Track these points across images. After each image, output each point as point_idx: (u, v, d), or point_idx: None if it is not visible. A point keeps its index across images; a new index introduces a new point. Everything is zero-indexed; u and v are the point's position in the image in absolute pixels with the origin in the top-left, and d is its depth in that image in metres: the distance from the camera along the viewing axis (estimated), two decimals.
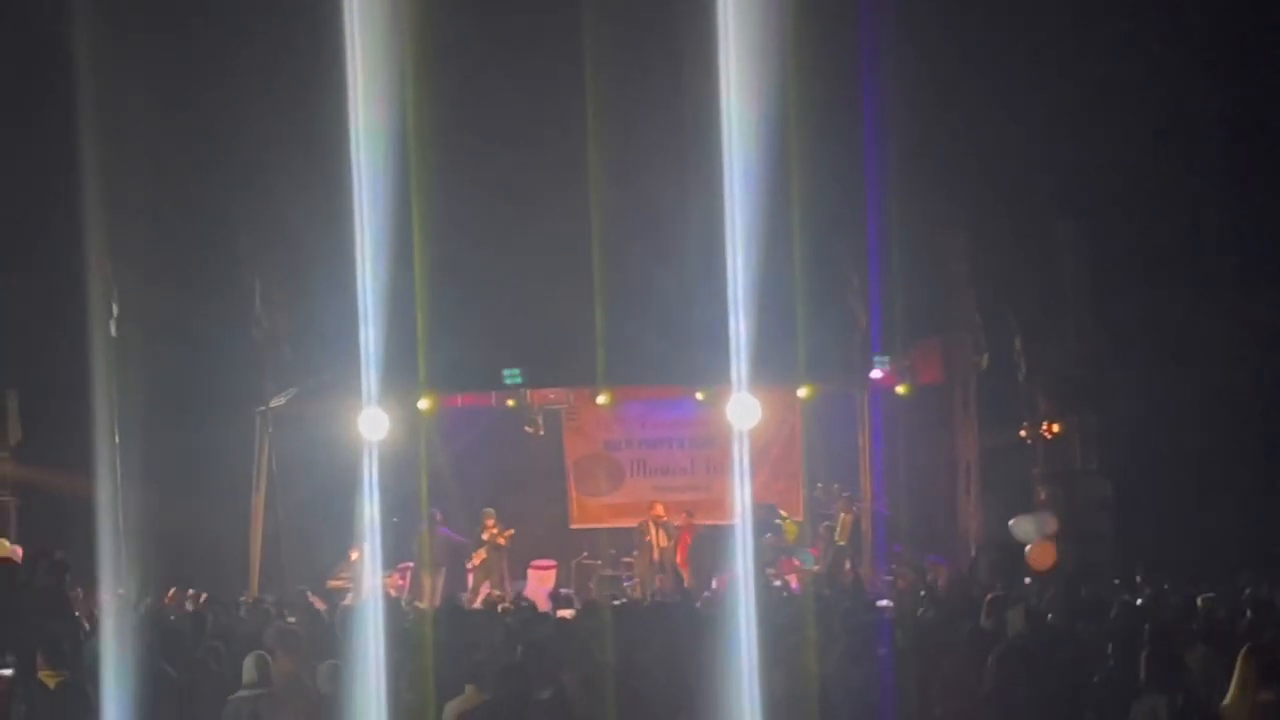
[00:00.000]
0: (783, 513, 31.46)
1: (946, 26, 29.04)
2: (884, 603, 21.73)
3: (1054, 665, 15.46)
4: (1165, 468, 29.12)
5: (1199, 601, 19.23)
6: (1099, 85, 29.43)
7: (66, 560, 21.77)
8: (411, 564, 30.73)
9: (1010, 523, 28.58)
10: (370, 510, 23.10)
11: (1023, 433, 32.02)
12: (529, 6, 30.81)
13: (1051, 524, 28.31)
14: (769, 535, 30.08)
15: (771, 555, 29.89)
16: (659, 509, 31.24)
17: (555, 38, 30.69)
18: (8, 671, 17.48)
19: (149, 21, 30.51)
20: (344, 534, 28.26)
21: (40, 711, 15.79)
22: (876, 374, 30.39)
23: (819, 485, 32.30)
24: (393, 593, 27.63)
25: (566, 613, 22.31)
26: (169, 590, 27.02)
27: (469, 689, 14.34)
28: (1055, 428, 31.53)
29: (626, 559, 31.81)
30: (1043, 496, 30.78)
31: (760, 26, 22.11)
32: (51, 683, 15.73)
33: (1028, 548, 27.88)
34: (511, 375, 30.89)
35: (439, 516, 30.67)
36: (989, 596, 18.62)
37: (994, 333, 31.39)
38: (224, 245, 32.11)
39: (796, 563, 30.21)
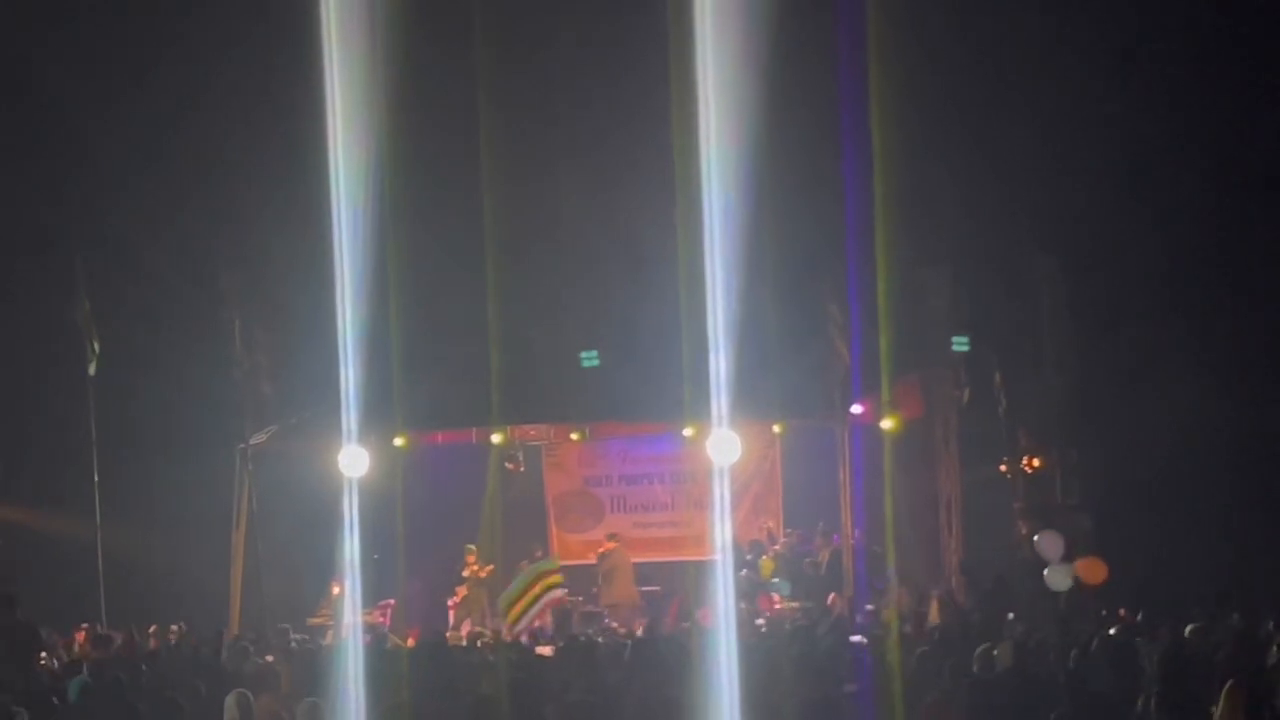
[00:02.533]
0: (760, 554, 31.44)
1: (927, 65, 29.12)
2: (858, 638, 21.69)
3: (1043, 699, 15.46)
4: (1144, 502, 29.15)
5: (1187, 632, 19.28)
6: (1076, 125, 29.55)
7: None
8: (393, 600, 30.68)
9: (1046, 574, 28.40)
10: (350, 547, 23.05)
11: (1003, 467, 32.07)
12: (504, 49, 30.86)
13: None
14: (744, 571, 30.05)
15: (748, 589, 29.86)
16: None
17: (533, 79, 30.81)
18: None
19: (130, 60, 30.59)
20: (324, 570, 28.23)
21: None
22: (857, 409, 30.41)
23: (792, 531, 32.33)
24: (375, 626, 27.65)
25: (546, 649, 22.30)
26: (148, 627, 26.94)
27: None
28: (1035, 462, 31.59)
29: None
30: (1024, 531, 30.79)
31: (739, 67, 22.15)
32: None
33: (1074, 567, 27.73)
34: (589, 357, 31.08)
35: None
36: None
37: (974, 369, 31.44)
38: (204, 284, 32.10)
39: (775, 597, 30.22)
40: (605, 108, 30.50)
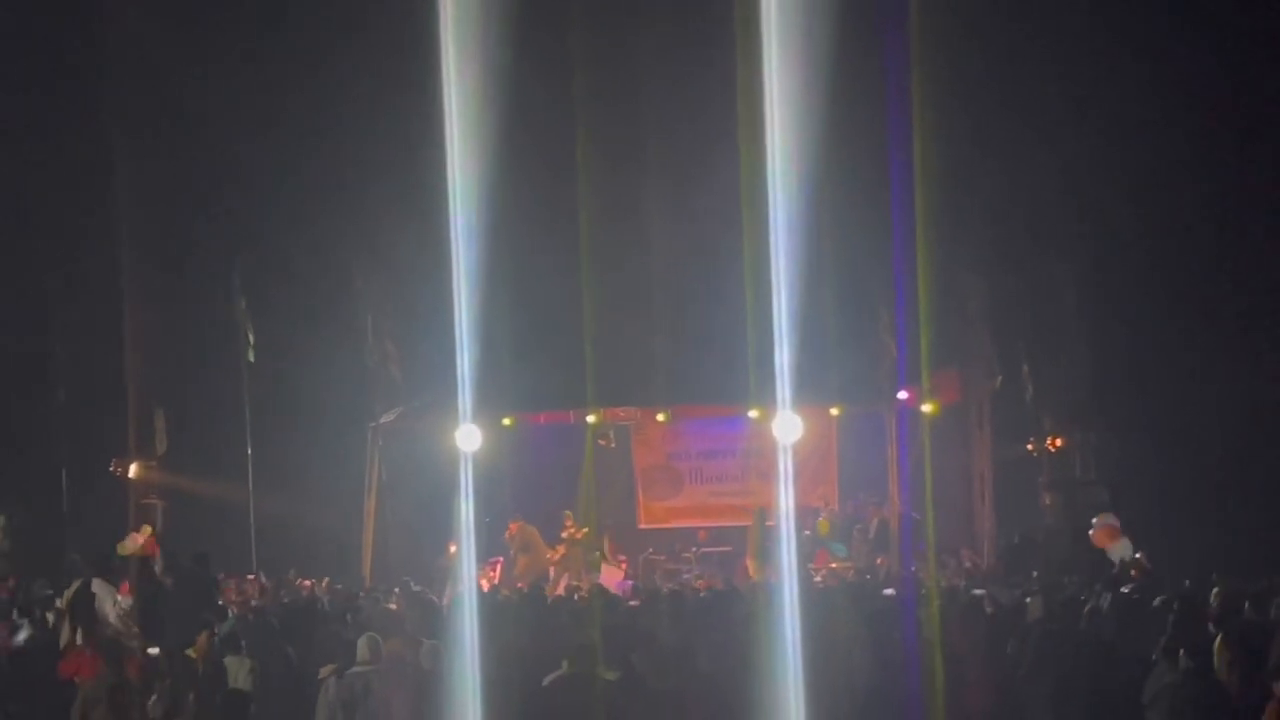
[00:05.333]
0: (818, 519, 31.33)
1: (963, 90, 28.94)
2: (889, 591, 21.55)
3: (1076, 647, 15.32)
4: (1156, 476, 28.88)
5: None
6: (1094, 139, 29.29)
7: (208, 554, 21.92)
8: (501, 558, 30.74)
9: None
10: (465, 512, 23.09)
11: (1030, 447, 31.86)
12: (596, 67, 30.84)
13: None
14: (806, 531, 29.96)
15: (809, 548, 29.77)
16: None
17: (620, 96, 30.75)
18: (155, 650, 17.57)
19: (277, 88, 30.71)
20: (443, 532, 28.26)
21: (184, 684, 15.85)
22: (903, 396, 30.31)
23: (850, 502, 32.23)
24: (484, 584, 27.64)
25: (634, 601, 22.25)
26: (294, 581, 27.11)
27: (565, 663, 14.33)
28: (1059, 442, 31.37)
29: (686, 554, 31.86)
30: (1047, 502, 30.59)
31: (801, 84, 22.09)
32: (196, 659, 15.82)
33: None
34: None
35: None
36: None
37: (1005, 360, 31.28)
38: (342, 283, 32.31)
39: (833, 561, 30.13)
40: (683, 121, 30.46)
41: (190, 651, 16.06)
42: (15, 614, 20.73)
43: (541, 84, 29.52)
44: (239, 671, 16.06)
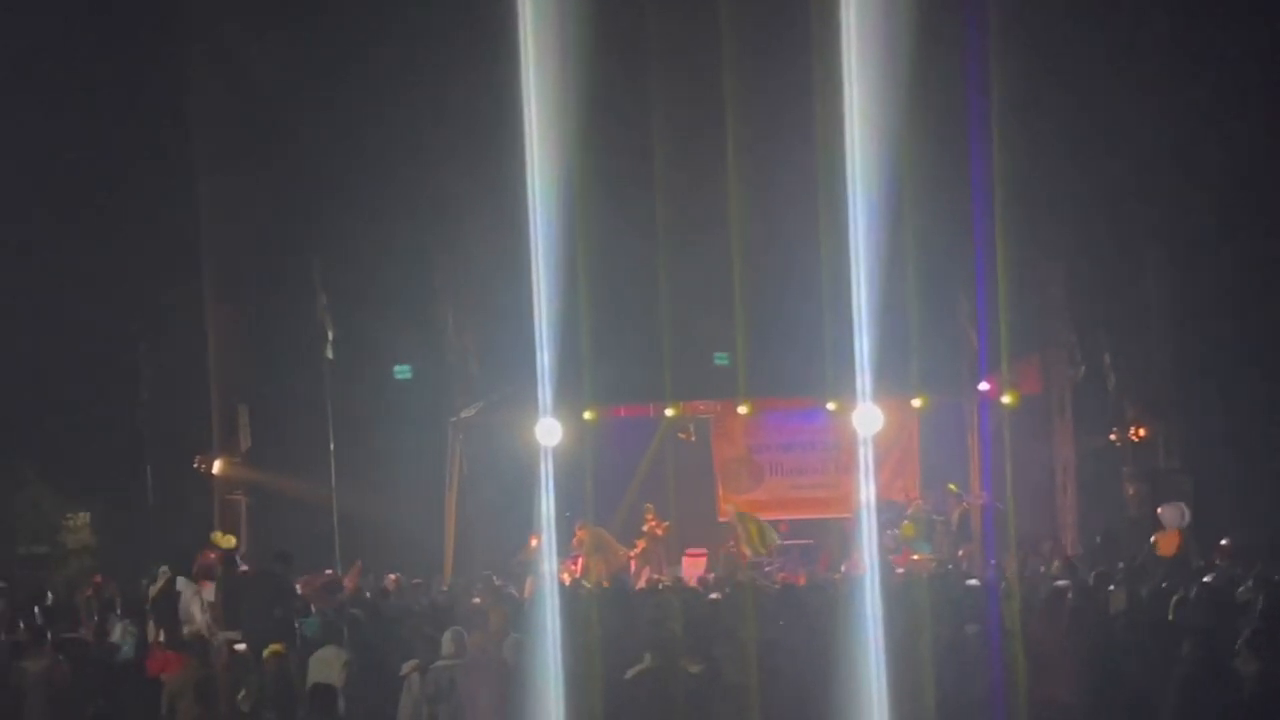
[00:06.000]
0: (906, 512, 31.23)
1: (1046, 78, 28.86)
2: (973, 581, 21.48)
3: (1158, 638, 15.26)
4: (1240, 465, 28.70)
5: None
6: (1180, 128, 29.13)
7: (290, 553, 22.11)
8: (583, 553, 30.82)
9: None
10: (546, 506, 23.15)
11: (1113, 436, 31.68)
12: (675, 61, 30.92)
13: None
14: (890, 532, 29.89)
15: (894, 545, 29.72)
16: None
17: (699, 90, 30.77)
18: (241, 646, 17.76)
19: (359, 91, 30.97)
20: (524, 526, 28.40)
21: (272, 680, 16.01)
22: (984, 386, 30.20)
23: (927, 493, 32.11)
24: (566, 578, 27.74)
25: (716, 595, 22.29)
26: (378, 574, 27.28)
27: (647, 656, 14.38)
28: (1142, 431, 31.20)
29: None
30: (1131, 493, 30.42)
31: (880, 76, 22.01)
32: (277, 654, 15.97)
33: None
34: (721, 358, 31.21)
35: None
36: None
37: (1087, 349, 31.13)
38: (421, 280, 32.52)
39: (915, 555, 30.03)
40: (761, 112, 30.45)
41: (275, 647, 16.22)
42: (117, 613, 21.02)
43: (621, 79, 29.63)
44: (334, 664, 16.18)
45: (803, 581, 25.58)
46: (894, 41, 22.74)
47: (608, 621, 18.20)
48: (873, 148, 21.81)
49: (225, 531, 25.87)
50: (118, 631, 19.85)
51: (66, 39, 31.31)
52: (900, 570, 27.50)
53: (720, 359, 31.73)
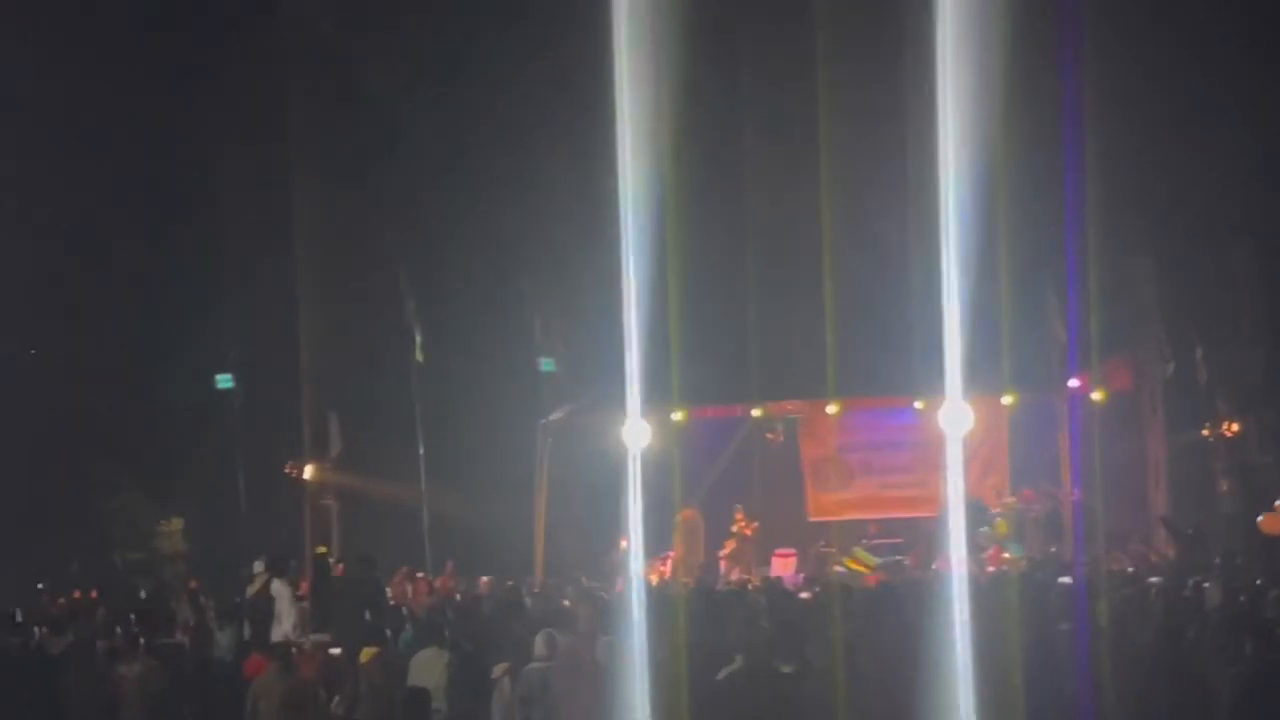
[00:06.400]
0: (995, 511, 31.08)
1: (1137, 78, 28.70)
2: (1065, 579, 21.37)
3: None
4: None
5: None
6: (1269, 125, 28.91)
7: (374, 557, 22.26)
8: (672, 553, 30.88)
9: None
10: (634, 508, 23.22)
11: (1205, 432, 31.44)
12: (765, 63, 30.93)
13: None
14: (983, 529, 29.76)
15: (985, 543, 29.60)
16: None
17: (788, 90, 30.77)
18: (337, 652, 17.91)
19: (451, 102, 31.18)
20: (612, 528, 28.48)
21: (366, 682, 16.11)
22: (1074, 383, 30.03)
23: (1021, 491, 31.94)
24: (655, 578, 27.81)
25: (807, 594, 22.29)
26: (470, 577, 27.45)
27: (738, 657, 14.41)
28: (1234, 426, 30.94)
29: (857, 547, 31.76)
30: (1224, 488, 30.19)
31: (974, 78, 21.97)
32: (370, 657, 16.08)
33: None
34: (547, 364, 31.44)
35: None
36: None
37: (1177, 344, 30.92)
38: (509, 283, 32.67)
39: (1006, 553, 29.88)
40: (851, 113, 30.40)
41: (372, 650, 16.33)
42: (214, 617, 21.25)
43: (711, 79, 29.66)
44: (436, 665, 16.27)
45: (892, 581, 25.51)
46: (986, 39, 22.68)
47: (697, 622, 18.23)
48: (964, 145, 21.78)
49: (316, 536, 26.16)
50: (223, 635, 20.06)
51: (161, 43, 31.69)
52: (991, 569, 27.42)
53: (547, 366, 31.78)
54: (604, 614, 18.85)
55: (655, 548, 29.53)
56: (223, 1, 32.36)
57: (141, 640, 18.23)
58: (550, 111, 30.40)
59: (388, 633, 18.73)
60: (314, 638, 19.33)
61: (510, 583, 26.42)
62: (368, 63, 31.58)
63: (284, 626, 19.93)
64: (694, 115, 27.89)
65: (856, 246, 30.62)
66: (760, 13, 31.48)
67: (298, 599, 20.64)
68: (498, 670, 16.14)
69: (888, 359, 29.17)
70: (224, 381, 31.62)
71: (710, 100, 29.76)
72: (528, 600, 22.92)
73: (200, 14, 31.39)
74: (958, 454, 24.59)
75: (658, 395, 27.60)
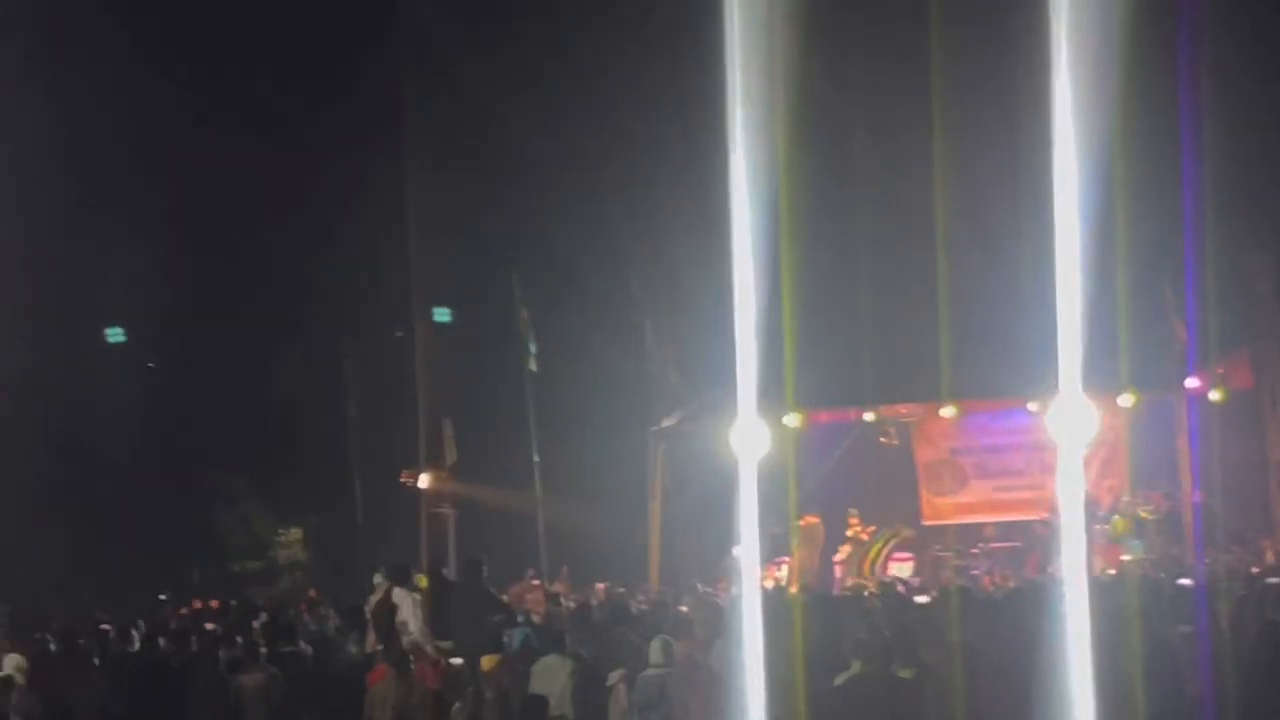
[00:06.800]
0: (1113, 511, 30.81)
1: (1254, 72, 28.40)
2: (1186, 581, 21.16)
3: None
4: None
5: None
6: None
7: (480, 561, 22.37)
8: (786, 559, 30.87)
9: None
10: (748, 514, 23.23)
11: None
12: (878, 63, 30.85)
13: None
14: (1099, 528, 29.52)
15: (1103, 543, 29.36)
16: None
17: (901, 91, 30.66)
18: (458, 660, 18.03)
19: (562, 108, 31.36)
20: (726, 534, 28.51)
21: (491, 689, 16.22)
22: (1193, 382, 29.70)
23: (1139, 492, 31.62)
24: (769, 584, 27.82)
25: (924, 598, 22.22)
26: (585, 583, 27.57)
27: (856, 662, 14.40)
28: None
29: (974, 550, 31.64)
30: None
31: (1089, 73, 21.83)
32: (493, 665, 16.20)
33: None
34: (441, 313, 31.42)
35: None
36: None
37: None
38: (620, 289, 32.79)
39: (1125, 554, 29.62)
40: (965, 111, 30.24)
41: (494, 658, 16.46)
42: (337, 626, 21.45)
43: (823, 79, 29.62)
44: (560, 673, 16.36)
45: (1010, 583, 25.39)
46: (1103, 34, 22.53)
47: (812, 628, 18.22)
48: (1078, 141, 21.65)
49: (432, 544, 26.36)
50: (346, 644, 20.25)
51: (276, 53, 32.13)
52: (1111, 571, 27.20)
53: (440, 314, 31.70)
54: (719, 620, 18.90)
55: (769, 553, 29.55)
56: (346, 6, 32.73)
57: (263, 649, 18.42)
58: (663, 114, 30.49)
59: (506, 639, 18.85)
60: (437, 645, 19.48)
61: (624, 589, 26.54)
62: (480, 70, 31.79)
63: (408, 635, 20.08)
64: (807, 116, 27.86)
65: (971, 247, 30.45)
66: (872, 11, 31.38)
67: (418, 607, 20.78)
68: (614, 677, 16.21)
69: (1002, 360, 28.99)
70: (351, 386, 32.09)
71: (823, 100, 29.71)
72: (641, 606, 22.99)
73: (326, 16, 31.78)
74: (1075, 455, 24.41)
75: (770, 400, 27.60)
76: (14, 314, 32.74)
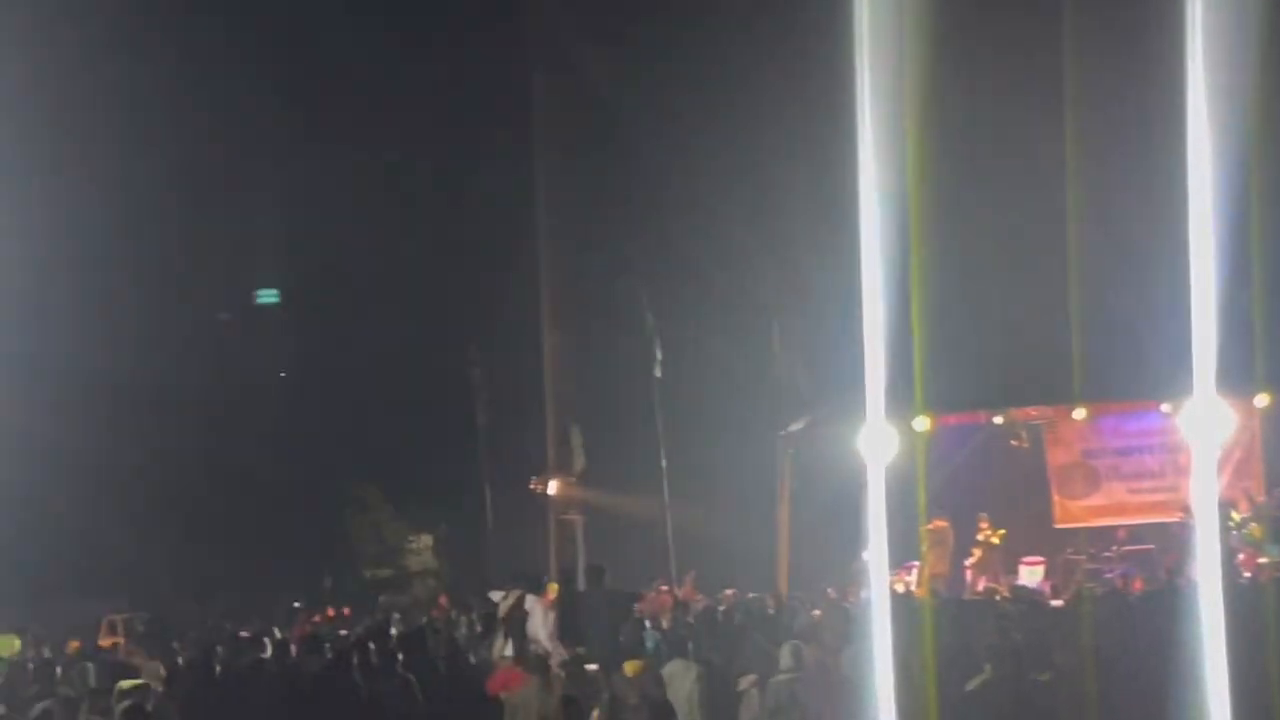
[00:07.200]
0: (1249, 514, 30.36)
1: None
2: None
3: None
4: None
5: None
6: None
7: (601, 566, 22.47)
8: (916, 564, 30.73)
9: None
10: (877, 518, 23.14)
11: None
12: (1009, 64, 30.62)
13: None
14: (1237, 533, 29.11)
15: (1239, 546, 28.96)
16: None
17: (1031, 90, 30.42)
18: (593, 666, 18.11)
19: (690, 96, 31.42)
20: (855, 539, 28.42)
21: (620, 693, 16.26)
22: None
23: (1274, 491, 31.10)
24: (900, 589, 27.70)
25: (1058, 602, 22.07)
26: (713, 589, 27.61)
27: (987, 667, 14.35)
28: None
29: (1107, 553, 31.32)
30: None
31: (1224, 70, 21.57)
32: (634, 671, 16.25)
33: None
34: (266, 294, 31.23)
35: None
36: None
37: None
38: (746, 294, 32.80)
39: (1261, 557, 29.17)
40: (1097, 107, 29.95)
41: (636, 663, 16.50)
42: (477, 631, 21.63)
43: (952, 78, 29.45)
44: (685, 678, 16.41)
45: (1142, 587, 25.12)
46: (1238, 30, 22.26)
47: (943, 632, 18.16)
48: (1213, 139, 21.40)
49: (561, 550, 26.51)
50: (481, 651, 20.41)
51: (411, 68, 32.51)
52: (1248, 574, 26.84)
53: (265, 295, 31.47)
54: (849, 625, 18.88)
55: (899, 558, 29.42)
56: (475, 18, 33.00)
57: (399, 656, 18.60)
58: (789, 117, 30.44)
59: (649, 645, 18.93)
60: (565, 652, 19.58)
61: (753, 595, 26.54)
62: (606, 78, 31.96)
63: (540, 641, 20.22)
64: (936, 115, 27.72)
65: (1104, 247, 30.14)
66: (1002, 11, 31.16)
67: (549, 613, 20.92)
68: (745, 682, 16.24)
69: (1135, 361, 28.68)
70: (480, 394, 32.35)
71: (952, 100, 29.53)
72: (770, 611, 23.01)
73: (466, 30, 32.08)
74: (1209, 457, 24.11)
75: (900, 404, 27.48)
76: (163, 335, 33.46)
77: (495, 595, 22.47)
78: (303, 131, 34.55)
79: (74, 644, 24.68)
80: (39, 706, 17.00)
